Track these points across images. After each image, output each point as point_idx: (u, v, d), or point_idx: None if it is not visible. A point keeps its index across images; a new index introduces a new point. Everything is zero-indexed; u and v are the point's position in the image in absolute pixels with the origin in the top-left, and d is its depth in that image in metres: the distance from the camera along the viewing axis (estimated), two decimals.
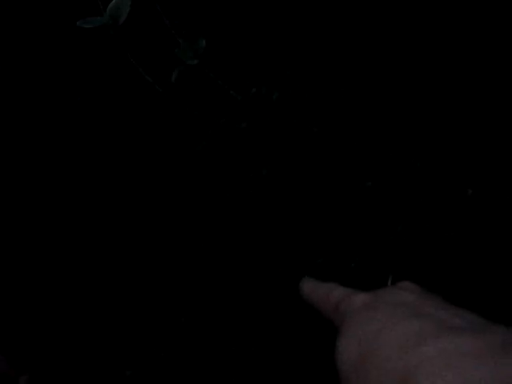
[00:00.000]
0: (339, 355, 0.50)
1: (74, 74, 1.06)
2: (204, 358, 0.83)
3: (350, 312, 0.53)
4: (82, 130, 1.02)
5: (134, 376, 0.84)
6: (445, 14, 0.98)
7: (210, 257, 0.91)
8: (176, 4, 1.07)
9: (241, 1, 1.08)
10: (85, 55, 1.06)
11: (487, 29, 0.97)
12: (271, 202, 0.94)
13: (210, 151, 0.98)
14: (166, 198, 0.96)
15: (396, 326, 0.46)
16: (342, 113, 1.01)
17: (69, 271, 0.91)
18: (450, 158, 0.91)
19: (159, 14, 1.06)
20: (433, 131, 0.95)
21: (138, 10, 1.06)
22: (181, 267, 0.90)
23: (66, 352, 0.86)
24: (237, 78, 1.05)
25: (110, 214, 0.94)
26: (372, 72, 1.02)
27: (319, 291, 0.62)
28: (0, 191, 0.91)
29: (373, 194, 0.92)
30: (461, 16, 0.98)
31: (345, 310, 0.55)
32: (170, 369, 0.83)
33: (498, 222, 0.84)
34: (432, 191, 0.90)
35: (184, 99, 1.04)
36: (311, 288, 0.63)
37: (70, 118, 1.02)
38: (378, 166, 0.94)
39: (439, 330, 0.42)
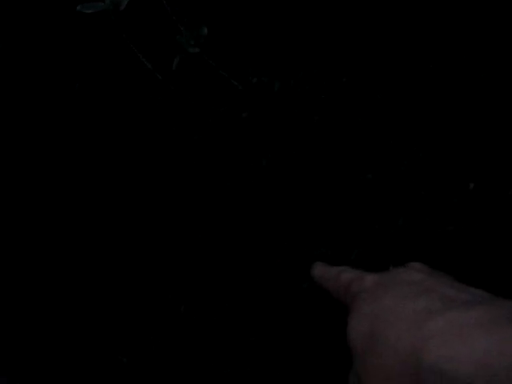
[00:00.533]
0: (351, 333, 0.51)
1: (72, 60, 1.05)
2: (203, 347, 0.83)
3: (361, 292, 0.54)
4: (81, 116, 1.01)
5: (130, 363, 0.84)
6: (447, 12, 0.98)
7: (212, 246, 0.91)
8: None
9: None
10: (84, 41, 1.05)
11: (488, 26, 0.97)
12: (271, 192, 0.93)
13: (209, 140, 0.98)
14: (165, 187, 0.96)
15: (405, 304, 0.47)
16: (343, 102, 1.00)
17: (70, 261, 0.90)
18: (453, 151, 0.91)
19: (161, 0, 1.05)
20: (435, 123, 0.95)
21: None
22: (182, 256, 0.90)
23: (64, 341, 0.86)
24: (238, 67, 1.05)
25: (109, 206, 0.94)
26: (374, 63, 1.02)
27: (330, 273, 0.63)
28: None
29: (373, 186, 0.92)
30: (463, 14, 0.98)
31: (356, 290, 0.56)
32: (167, 357, 0.83)
33: (499, 215, 0.84)
34: (434, 184, 0.90)
35: (184, 87, 1.04)
36: (322, 271, 0.64)
37: (69, 104, 1.01)
38: (379, 158, 0.94)
39: (447, 305, 0.43)
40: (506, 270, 0.77)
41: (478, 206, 0.87)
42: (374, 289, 0.52)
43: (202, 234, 0.91)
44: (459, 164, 0.90)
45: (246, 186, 0.94)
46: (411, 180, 0.91)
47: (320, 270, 0.63)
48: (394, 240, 0.83)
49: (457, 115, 0.94)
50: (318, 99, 1.02)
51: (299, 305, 0.85)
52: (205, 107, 1.01)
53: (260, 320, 0.85)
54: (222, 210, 0.94)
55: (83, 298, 0.87)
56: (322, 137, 0.98)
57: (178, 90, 1.03)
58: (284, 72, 1.03)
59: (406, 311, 0.46)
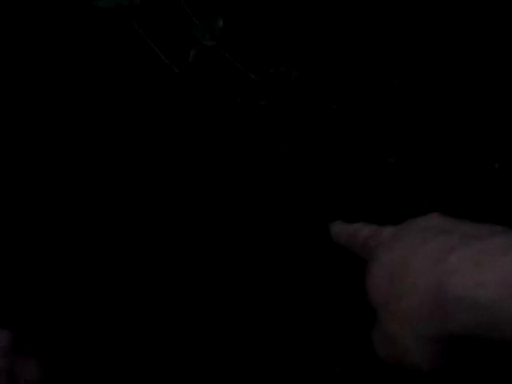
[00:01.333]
0: (371, 283, 0.52)
1: (87, 53, 1.05)
2: (206, 346, 0.82)
3: (379, 244, 0.55)
4: (95, 108, 1.01)
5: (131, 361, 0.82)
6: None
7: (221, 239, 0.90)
8: None
9: None
10: (100, 35, 1.05)
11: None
12: (292, 177, 0.92)
13: (228, 129, 0.97)
14: (184, 177, 0.95)
15: (424, 245, 0.47)
16: (362, 90, 0.99)
17: (73, 260, 0.90)
18: (476, 131, 0.90)
19: None
20: (457, 107, 0.94)
21: None
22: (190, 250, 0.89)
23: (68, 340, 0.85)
24: (254, 59, 1.04)
25: (118, 196, 0.93)
26: (392, 49, 1.01)
27: (348, 230, 0.64)
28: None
29: (396, 170, 0.91)
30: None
31: (374, 243, 0.57)
32: (168, 352, 0.82)
33: None
34: (458, 166, 0.88)
35: (201, 80, 1.03)
36: (340, 228, 0.65)
37: (83, 97, 1.01)
38: (400, 142, 0.93)
39: (466, 240, 0.44)
40: None
41: (503, 187, 0.85)
42: (392, 239, 0.52)
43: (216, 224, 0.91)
44: (483, 144, 0.89)
45: (267, 171, 0.93)
46: (434, 162, 0.90)
47: (338, 228, 0.66)
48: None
49: (479, 99, 0.93)
50: (335, 88, 1.01)
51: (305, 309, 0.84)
52: (222, 98, 1.01)
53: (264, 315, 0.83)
54: (241, 196, 0.93)
55: (86, 296, 0.86)
56: (341, 125, 0.97)
57: (194, 83, 1.03)
58: (301, 62, 1.03)
59: (425, 252, 0.46)
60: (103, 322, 0.85)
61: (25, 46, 1.04)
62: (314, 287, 0.84)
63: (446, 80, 0.96)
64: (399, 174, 0.90)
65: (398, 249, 0.50)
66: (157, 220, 0.92)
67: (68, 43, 1.05)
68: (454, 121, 0.92)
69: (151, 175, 0.96)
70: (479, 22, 0.97)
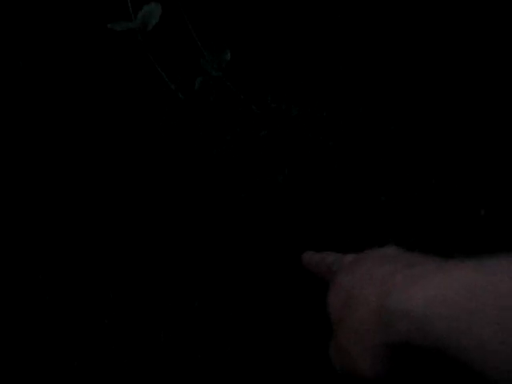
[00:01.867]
0: (330, 302, 0.60)
1: (99, 74, 1.08)
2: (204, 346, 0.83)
3: (340, 269, 0.63)
4: (101, 131, 1.04)
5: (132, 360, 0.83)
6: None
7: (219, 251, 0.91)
8: (202, 15, 1.11)
9: (264, 19, 1.12)
10: (111, 57, 1.09)
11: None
12: (285, 207, 0.95)
13: (227, 155, 1.00)
14: (181, 198, 0.98)
15: (375, 271, 0.55)
16: (358, 131, 1.03)
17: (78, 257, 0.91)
18: (464, 176, 0.93)
19: (186, 24, 1.09)
20: (448, 150, 0.98)
21: (166, 19, 1.10)
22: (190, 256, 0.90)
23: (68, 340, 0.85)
24: (257, 92, 1.08)
25: (128, 206, 0.95)
26: (388, 93, 1.06)
27: (316, 257, 0.73)
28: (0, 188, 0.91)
29: (386, 208, 0.94)
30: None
31: (335, 268, 0.64)
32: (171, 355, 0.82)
33: None
34: (446, 209, 0.92)
35: (204, 107, 1.07)
36: (310, 256, 0.75)
37: (89, 120, 1.03)
38: (392, 181, 0.97)
39: (406, 267, 0.52)
40: None
41: (489, 232, 0.88)
42: (351, 264, 0.60)
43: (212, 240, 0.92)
44: (471, 189, 0.92)
45: (261, 200, 0.95)
46: (424, 203, 0.93)
47: (308, 256, 0.75)
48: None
49: (469, 139, 0.97)
50: (333, 126, 1.05)
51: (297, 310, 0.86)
52: (224, 126, 1.04)
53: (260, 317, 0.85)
54: (235, 219, 0.95)
55: (90, 294, 0.87)
56: (336, 158, 1.01)
57: (198, 110, 1.06)
58: (301, 99, 1.07)
59: (374, 276, 0.54)
60: (101, 322, 0.85)
61: (40, 60, 1.07)
62: (288, 306, 0.86)
63: (440, 132, 1.00)
64: (390, 211, 0.94)
65: (355, 273, 0.58)
66: (156, 225, 0.93)
67: (79, 60, 1.08)
68: (445, 164, 0.96)
69: (152, 195, 0.98)
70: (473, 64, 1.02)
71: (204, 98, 1.07)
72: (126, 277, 0.89)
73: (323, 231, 0.93)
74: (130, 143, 1.03)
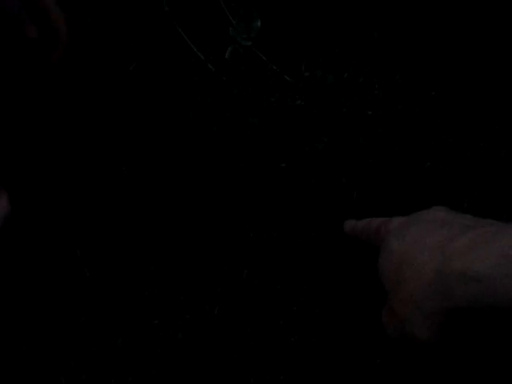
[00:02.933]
0: (382, 268, 0.60)
1: (126, 48, 1.05)
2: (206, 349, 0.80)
3: (389, 232, 0.62)
4: (133, 101, 1.00)
5: (125, 344, 0.80)
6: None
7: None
8: None
9: None
10: (138, 30, 1.05)
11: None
12: (327, 175, 0.92)
13: (263, 126, 0.97)
14: (216, 171, 0.94)
15: (429, 235, 0.55)
16: (396, 99, 0.99)
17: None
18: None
19: None
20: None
21: None
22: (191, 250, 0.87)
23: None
24: (290, 61, 1.04)
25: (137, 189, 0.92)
26: (429, 59, 1.01)
27: (361, 223, 0.75)
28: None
29: (430, 174, 0.90)
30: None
31: (384, 231, 0.64)
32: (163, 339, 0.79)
33: None
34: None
35: (236, 78, 1.03)
36: (353, 224, 0.77)
37: (113, 87, 1.00)
38: (434, 149, 0.93)
39: (463, 230, 0.52)
40: None
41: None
42: (401, 227, 0.60)
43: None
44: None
45: (302, 168, 0.92)
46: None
47: (351, 224, 0.78)
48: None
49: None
50: (371, 94, 1.00)
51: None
52: (258, 96, 1.00)
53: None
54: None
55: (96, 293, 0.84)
56: (375, 129, 0.97)
57: (230, 81, 1.02)
58: (337, 66, 1.03)
59: (429, 241, 0.54)
60: (100, 318, 0.82)
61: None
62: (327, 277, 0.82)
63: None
64: (434, 177, 0.90)
65: (406, 236, 0.57)
66: (157, 221, 0.90)
67: (105, 32, 1.05)
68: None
69: (182, 172, 0.95)
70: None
71: (235, 68, 1.03)
72: (121, 275, 0.86)
73: (365, 199, 0.89)
74: (160, 118, 0.99)
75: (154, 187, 0.93)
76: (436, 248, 0.52)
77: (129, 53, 1.03)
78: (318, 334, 0.78)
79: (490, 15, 1.01)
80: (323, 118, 0.97)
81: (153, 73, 1.02)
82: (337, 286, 0.81)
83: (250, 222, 0.89)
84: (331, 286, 0.81)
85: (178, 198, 0.92)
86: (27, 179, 0.91)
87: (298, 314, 0.80)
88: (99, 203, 0.91)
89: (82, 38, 1.02)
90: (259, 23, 1.04)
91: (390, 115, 0.98)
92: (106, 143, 0.96)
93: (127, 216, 0.90)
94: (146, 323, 0.80)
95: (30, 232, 0.86)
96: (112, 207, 0.91)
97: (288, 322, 0.79)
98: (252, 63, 1.04)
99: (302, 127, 0.96)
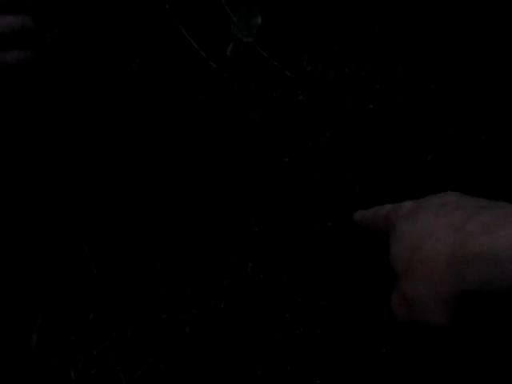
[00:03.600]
0: (393, 252, 0.59)
1: (128, 45, 1.05)
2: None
3: (400, 216, 0.61)
4: (137, 94, 1.01)
5: (133, 339, 0.80)
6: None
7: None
8: None
9: None
10: (139, 28, 1.06)
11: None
12: (330, 168, 0.92)
13: (265, 121, 0.97)
14: (218, 166, 0.95)
15: (441, 219, 0.54)
16: (398, 92, 1.00)
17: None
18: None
19: None
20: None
21: None
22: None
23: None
24: (291, 55, 1.05)
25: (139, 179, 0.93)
26: (431, 54, 1.02)
27: (369, 212, 0.74)
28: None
29: (433, 168, 0.90)
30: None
31: (394, 217, 0.63)
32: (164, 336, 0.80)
33: None
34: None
35: (237, 75, 1.03)
36: (362, 213, 0.76)
37: (113, 83, 1.01)
38: (437, 143, 0.93)
39: (477, 211, 0.51)
40: None
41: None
42: (412, 212, 0.59)
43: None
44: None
45: (305, 162, 0.92)
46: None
47: (359, 214, 0.76)
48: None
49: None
50: (372, 88, 1.01)
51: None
52: (259, 92, 1.01)
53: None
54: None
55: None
56: (376, 124, 0.97)
57: (231, 77, 1.03)
58: (337, 61, 1.03)
59: (443, 223, 0.53)
60: (101, 315, 0.83)
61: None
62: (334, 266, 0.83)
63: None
64: (435, 171, 0.90)
65: (419, 220, 0.56)
66: (158, 218, 0.91)
67: (106, 29, 1.05)
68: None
69: (188, 169, 0.96)
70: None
71: (236, 65, 1.04)
72: (120, 273, 0.87)
73: (367, 193, 0.90)
74: (162, 115, 1.00)
75: (160, 184, 0.94)
76: (450, 230, 0.52)
77: (131, 51, 1.03)
78: (323, 326, 0.79)
79: (490, 8, 1.02)
80: (325, 112, 0.98)
81: (155, 70, 1.03)
82: (342, 278, 0.82)
83: (255, 217, 0.89)
84: (336, 279, 0.82)
85: (184, 193, 0.93)
86: (32, 176, 0.91)
87: (303, 306, 0.81)
88: (106, 199, 0.92)
89: (85, 37, 1.02)
90: (260, 19, 1.05)
91: (391, 109, 0.98)
92: (110, 139, 0.96)
93: (133, 212, 0.91)
94: (153, 318, 0.81)
95: (36, 230, 0.87)
96: (118, 204, 0.91)
97: (294, 315, 0.80)
98: (253, 59, 1.05)
99: (304, 122, 0.97)
